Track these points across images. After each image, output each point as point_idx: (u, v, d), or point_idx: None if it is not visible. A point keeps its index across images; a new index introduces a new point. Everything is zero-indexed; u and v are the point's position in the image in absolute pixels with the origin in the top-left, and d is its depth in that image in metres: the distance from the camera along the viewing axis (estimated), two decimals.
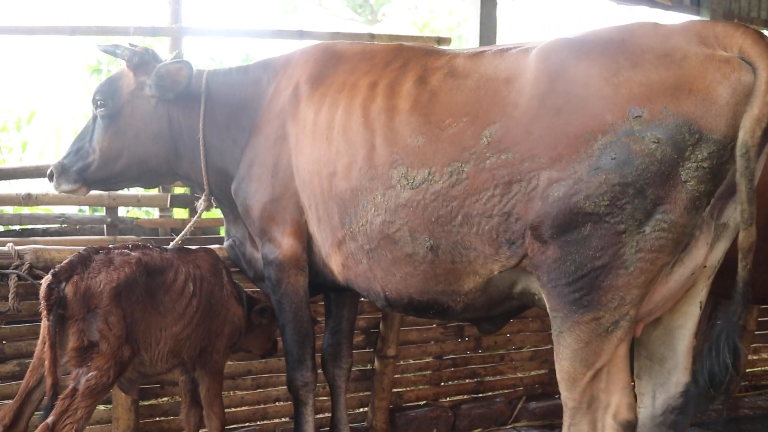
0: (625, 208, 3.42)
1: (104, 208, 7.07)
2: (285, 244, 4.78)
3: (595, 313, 3.56)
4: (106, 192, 6.93)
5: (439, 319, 5.29)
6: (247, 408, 5.97)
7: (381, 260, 4.23)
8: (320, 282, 4.90)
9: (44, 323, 4.00)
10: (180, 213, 7.60)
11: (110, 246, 4.33)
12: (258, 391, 5.99)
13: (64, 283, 3.97)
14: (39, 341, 4.12)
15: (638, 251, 3.45)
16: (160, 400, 5.69)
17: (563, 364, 3.70)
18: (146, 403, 5.60)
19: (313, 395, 5.02)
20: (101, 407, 5.44)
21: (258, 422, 5.97)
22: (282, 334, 4.97)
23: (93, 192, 7.13)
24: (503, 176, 3.69)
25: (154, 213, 7.94)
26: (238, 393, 5.94)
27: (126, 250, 4.29)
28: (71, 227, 6.78)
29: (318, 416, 5.95)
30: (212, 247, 5.47)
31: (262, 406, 6.01)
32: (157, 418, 5.63)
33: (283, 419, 5.94)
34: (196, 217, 5.54)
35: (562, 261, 3.60)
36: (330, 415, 5.61)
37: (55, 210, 7.03)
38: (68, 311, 3.97)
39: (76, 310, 3.97)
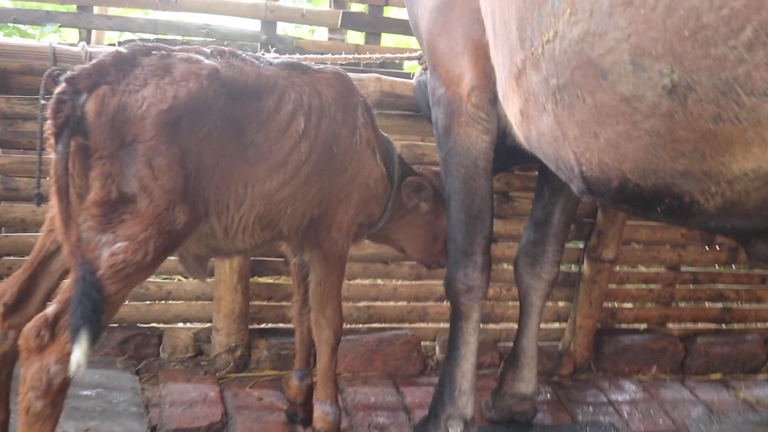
0: None
1: (260, 21, 5.58)
2: (455, 72, 3.14)
3: None
4: (264, 1, 5.46)
5: (672, 222, 3.31)
6: (401, 304, 4.48)
7: (576, 107, 2.40)
8: (509, 144, 3.23)
9: (53, 158, 2.52)
10: (354, 37, 5.98)
11: (175, 47, 2.75)
12: (417, 283, 4.42)
13: (84, 95, 2.45)
14: (52, 187, 2.65)
15: None
16: (280, 278, 4.23)
17: None
18: (261, 280, 4.17)
19: (480, 306, 3.42)
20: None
21: (413, 324, 4.45)
22: (446, 211, 3.37)
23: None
24: None
25: (322, 33, 6.39)
26: (392, 283, 4.44)
27: (198, 56, 2.71)
28: (217, 41, 5.34)
29: (495, 326, 4.37)
30: (376, 76, 3.89)
31: (421, 303, 4.48)
32: (274, 303, 4.20)
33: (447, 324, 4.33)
34: None
35: None
36: (515, 326, 3.99)
37: (199, 19, 5.59)
38: (90, 141, 2.47)
39: (101, 140, 2.47)
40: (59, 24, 5.27)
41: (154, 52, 2.62)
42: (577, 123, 2.43)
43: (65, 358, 2.40)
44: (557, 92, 2.45)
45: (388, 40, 6.09)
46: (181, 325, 4.15)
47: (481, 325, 3.70)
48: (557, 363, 4.52)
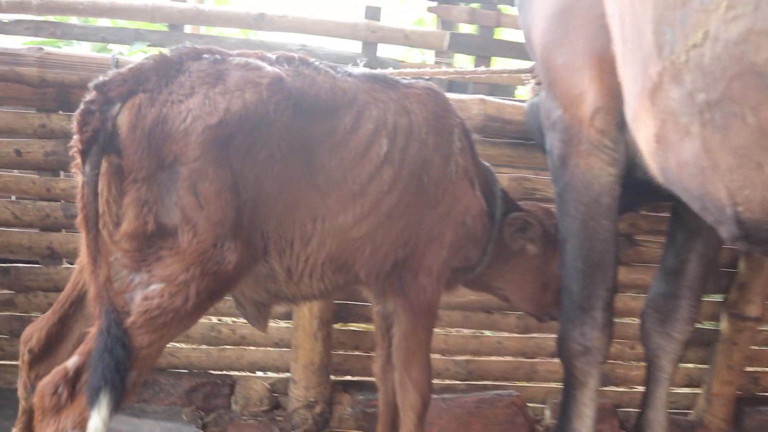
0: None
1: (361, 42, 5.17)
2: (575, 91, 2.59)
3: None
4: (365, 21, 5.05)
5: None
6: (503, 359, 3.89)
7: (732, 129, 1.85)
8: (639, 179, 2.64)
9: (80, 181, 2.10)
10: (462, 61, 5.50)
11: (230, 52, 2.32)
12: (525, 336, 3.86)
13: (117, 105, 2.04)
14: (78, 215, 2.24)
15: None
16: (368, 325, 3.74)
17: None
18: (346, 327, 3.68)
19: (599, 372, 2.82)
20: (282, 324, 3.63)
21: (519, 383, 3.87)
22: (561, 255, 2.79)
23: (347, 19, 5.28)
24: None
25: (428, 57, 5.95)
26: (498, 334, 3.88)
27: (259, 62, 2.26)
28: None
29: (616, 389, 3.77)
30: (480, 97, 3.41)
31: (529, 360, 3.89)
32: (361, 353, 3.70)
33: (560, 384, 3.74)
34: None
35: None
36: (638, 389, 3.38)
37: (296, 40, 5.22)
38: (124, 160, 2.05)
39: (136, 159, 2.06)
40: (148, 43, 4.99)
41: (205, 55, 2.20)
42: (734, 150, 1.86)
43: (85, 424, 1.98)
44: (706, 110, 1.89)
45: (499, 64, 5.58)
46: (256, 374, 3.70)
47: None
48: None
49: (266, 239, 2.26)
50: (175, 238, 2.07)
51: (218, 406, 3.59)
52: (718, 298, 3.90)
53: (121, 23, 5.20)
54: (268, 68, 2.23)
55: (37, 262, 3.51)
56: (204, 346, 3.64)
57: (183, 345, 3.66)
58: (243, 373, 3.67)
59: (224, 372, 3.66)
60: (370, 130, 2.41)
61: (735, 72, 1.77)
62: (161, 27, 5.07)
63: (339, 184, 2.36)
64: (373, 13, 5.12)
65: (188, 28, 5.19)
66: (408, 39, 5.19)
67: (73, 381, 2.03)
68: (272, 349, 3.67)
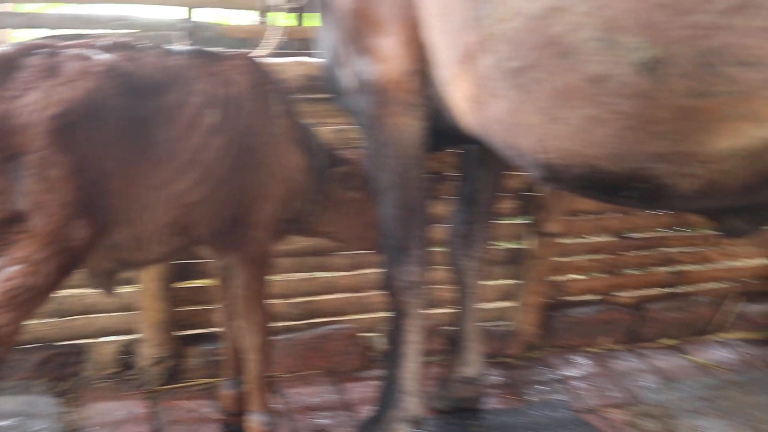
0: None
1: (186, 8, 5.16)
2: (387, 56, 2.90)
3: None
4: None
5: (644, 207, 3.53)
6: (336, 297, 4.21)
7: (539, 92, 2.28)
8: (442, 129, 3.01)
9: None
10: (291, 18, 5.63)
11: (64, 43, 2.49)
12: (355, 273, 4.19)
13: None
14: None
15: None
16: (205, 281, 3.93)
17: None
18: (186, 285, 3.88)
19: (420, 302, 3.20)
20: (126, 289, 3.77)
21: (352, 316, 4.21)
22: (379, 207, 3.13)
23: None
24: None
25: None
26: (324, 275, 4.18)
27: (92, 50, 2.45)
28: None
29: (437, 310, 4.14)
30: (299, 60, 3.66)
31: (358, 294, 4.22)
32: (202, 307, 3.90)
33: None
34: None
35: None
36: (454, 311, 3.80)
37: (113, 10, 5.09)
38: None
39: None
40: None
41: (39, 50, 2.36)
42: (541, 108, 2.31)
43: None
44: (517, 74, 2.32)
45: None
46: (105, 339, 3.85)
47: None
48: (505, 343, 4.33)
49: (114, 212, 2.47)
50: (29, 222, 2.25)
51: (72, 374, 3.72)
52: (524, 220, 4.34)
53: None
54: (102, 57, 2.42)
55: None
56: (50, 319, 3.74)
57: (29, 321, 3.75)
58: (92, 340, 3.81)
59: (74, 342, 3.78)
60: (196, 103, 2.64)
61: (539, 44, 2.19)
62: None
63: (173, 155, 2.59)
64: None
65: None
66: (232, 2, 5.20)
67: None
68: (120, 314, 3.81)
